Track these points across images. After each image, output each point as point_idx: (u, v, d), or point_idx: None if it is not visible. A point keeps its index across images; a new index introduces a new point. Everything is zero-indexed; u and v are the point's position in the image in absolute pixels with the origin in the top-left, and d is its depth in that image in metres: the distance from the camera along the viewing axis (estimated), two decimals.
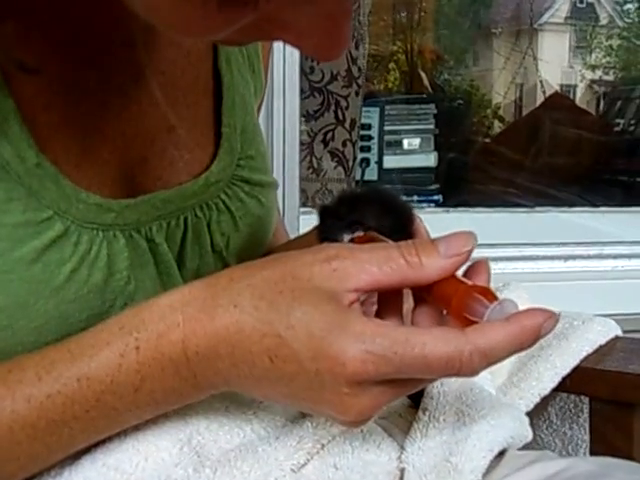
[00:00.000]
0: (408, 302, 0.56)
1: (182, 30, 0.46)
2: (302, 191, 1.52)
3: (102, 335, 0.54)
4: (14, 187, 0.54)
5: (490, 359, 0.48)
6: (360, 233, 0.61)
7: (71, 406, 0.53)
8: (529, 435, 0.65)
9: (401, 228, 0.62)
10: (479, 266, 0.54)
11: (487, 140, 3.48)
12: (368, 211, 0.62)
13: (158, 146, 0.66)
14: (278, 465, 0.56)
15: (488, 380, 0.72)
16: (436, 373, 0.49)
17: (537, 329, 0.48)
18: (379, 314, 0.54)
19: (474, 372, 0.48)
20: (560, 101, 3.57)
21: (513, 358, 0.83)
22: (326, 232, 0.64)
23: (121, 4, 0.47)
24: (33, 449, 0.54)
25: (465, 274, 0.53)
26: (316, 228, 0.69)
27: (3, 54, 0.54)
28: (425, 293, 0.52)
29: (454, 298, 0.49)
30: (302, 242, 0.74)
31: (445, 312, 0.52)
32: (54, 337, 0.56)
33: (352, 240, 0.61)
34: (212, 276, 0.55)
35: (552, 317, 0.48)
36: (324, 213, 0.65)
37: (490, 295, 0.49)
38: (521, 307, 0.92)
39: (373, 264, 0.50)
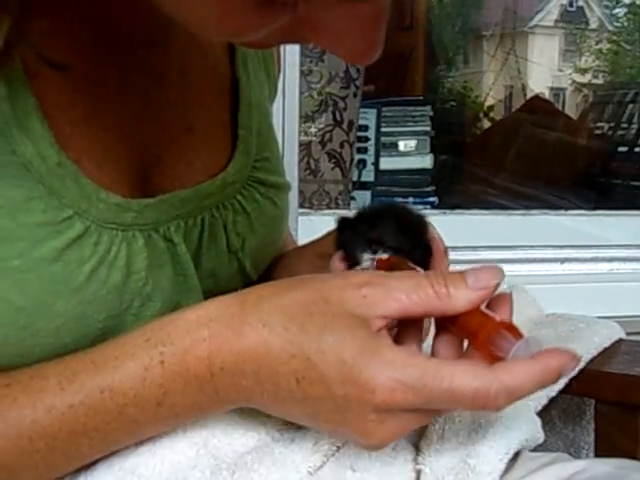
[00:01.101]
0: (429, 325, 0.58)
1: (215, 30, 0.46)
2: (300, 192, 1.53)
3: (126, 347, 0.54)
4: (35, 186, 0.54)
5: (515, 397, 0.49)
6: (383, 255, 0.62)
7: (93, 417, 0.52)
8: (541, 437, 0.66)
9: (418, 243, 0.64)
10: (503, 299, 0.54)
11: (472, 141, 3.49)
12: (386, 229, 0.63)
13: (176, 146, 0.66)
14: (295, 467, 0.56)
15: None
16: (462, 406, 0.50)
17: (560, 369, 0.49)
18: (398, 337, 0.54)
19: (499, 408, 0.49)
20: (540, 104, 3.58)
21: None
22: (345, 245, 0.65)
23: (143, 4, 0.46)
24: (52, 458, 0.53)
25: (489, 305, 0.53)
26: (328, 235, 0.71)
27: (31, 51, 0.54)
28: (449, 322, 0.53)
29: (481, 332, 0.50)
30: (317, 247, 0.75)
31: (468, 343, 0.53)
32: (72, 338, 0.56)
33: (375, 261, 0.62)
34: (240, 292, 0.55)
35: (574, 358, 0.49)
36: (343, 225, 0.66)
37: (515, 331, 0.50)
38: (526, 309, 0.93)
39: (402, 292, 0.51)
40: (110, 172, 0.60)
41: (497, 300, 0.53)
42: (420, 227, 0.66)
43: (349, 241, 0.64)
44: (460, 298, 0.50)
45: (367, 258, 0.62)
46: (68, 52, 0.57)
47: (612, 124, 3.65)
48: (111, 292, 0.58)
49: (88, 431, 0.53)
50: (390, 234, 0.63)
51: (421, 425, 0.53)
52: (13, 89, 0.53)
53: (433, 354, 0.53)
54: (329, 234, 0.73)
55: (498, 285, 0.51)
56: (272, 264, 0.79)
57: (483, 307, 0.52)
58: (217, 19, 0.44)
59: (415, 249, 0.63)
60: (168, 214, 0.63)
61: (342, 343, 0.49)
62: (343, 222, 0.67)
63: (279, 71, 0.85)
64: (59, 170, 0.55)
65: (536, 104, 3.51)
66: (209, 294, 0.68)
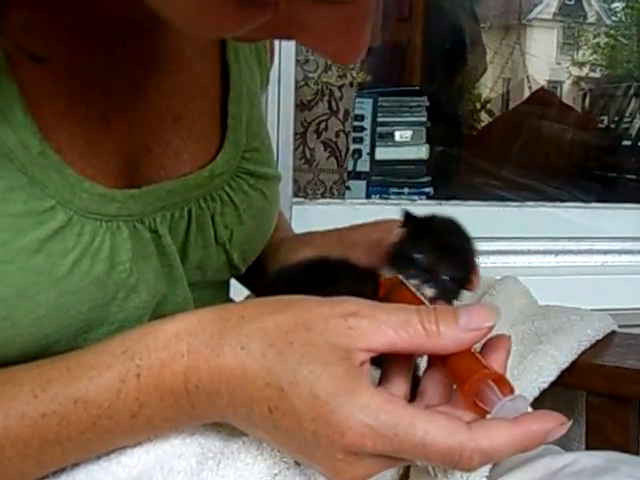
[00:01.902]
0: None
1: (197, 27, 0.46)
2: (294, 181, 1.52)
3: (103, 357, 0.52)
4: (17, 176, 0.53)
5: (490, 459, 0.47)
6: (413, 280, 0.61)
7: (66, 427, 0.51)
8: None
9: (462, 277, 0.66)
10: (499, 343, 0.51)
11: (474, 133, 3.49)
12: (440, 260, 0.63)
13: (163, 136, 0.65)
14: (282, 458, 0.56)
15: None
16: (433, 462, 0.49)
17: (544, 435, 0.46)
18: (384, 372, 0.52)
19: (471, 469, 0.47)
20: (545, 97, 3.58)
21: (512, 351, 0.84)
22: (394, 261, 0.65)
23: None
24: (24, 466, 0.53)
25: (484, 346, 0.51)
26: (356, 227, 0.76)
27: (11, 42, 0.53)
28: (439, 361, 0.51)
29: (468, 381, 0.47)
30: (342, 237, 0.76)
31: (455, 387, 0.50)
32: (54, 329, 0.56)
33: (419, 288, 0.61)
34: (223, 308, 0.54)
35: (562, 425, 0.47)
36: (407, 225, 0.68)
37: (504, 384, 0.47)
38: (519, 300, 0.93)
39: (390, 326, 0.48)
40: (94, 162, 0.59)
41: (494, 343, 0.51)
42: (469, 258, 0.68)
43: (400, 260, 0.64)
44: (450, 338, 0.48)
45: (413, 284, 0.61)
46: (49, 44, 0.57)
47: (609, 117, 3.65)
48: (94, 283, 0.57)
49: (61, 440, 0.52)
50: (442, 265, 0.63)
51: (391, 468, 0.53)
52: None
53: (420, 391, 0.51)
54: (357, 226, 0.75)
55: (492, 328, 0.49)
56: (268, 251, 0.78)
57: (477, 348, 0.50)
58: (198, 16, 0.43)
59: (457, 282, 0.65)
60: (153, 205, 0.62)
61: (317, 378, 0.47)
62: (407, 221, 0.67)
63: (272, 59, 0.84)
64: (41, 160, 0.54)
65: (541, 97, 3.51)
66: (196, 285, 0.68)
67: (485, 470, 0.58)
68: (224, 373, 0.50)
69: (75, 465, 0.55)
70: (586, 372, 0.83)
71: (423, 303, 0.55)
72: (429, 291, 0.62)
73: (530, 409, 0.48)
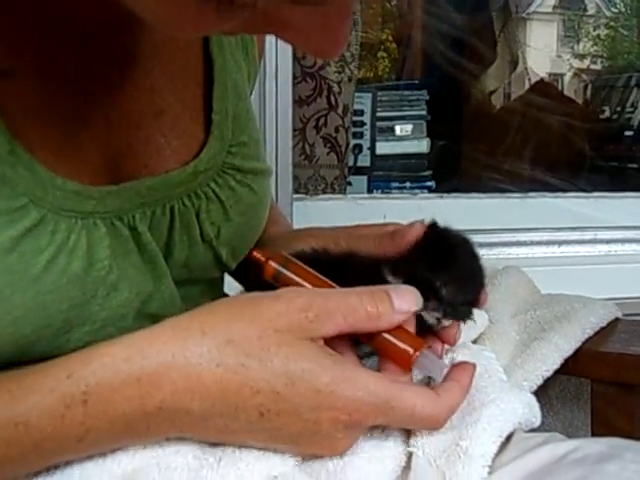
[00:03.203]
0: None
1: (173, 27, 0.45)
2: (294, 177, 1.52)
3: (47, 380, 0.51)
4: None
5: (452, 412, 0.57)
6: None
7: (6, 448, 0.51)
8: (537, 421, 0.65)
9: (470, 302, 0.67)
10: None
11: (474, 127, 3.48)
12: (456, 290, 0.64)
13: (144, 132, 0.64)
14: (281, 456, 0.56)
15: (497, 364, 0.72)
16: (413, 427, 0.58)
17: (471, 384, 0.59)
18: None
19: (441, 426, 0.57)
20: (544, 89, 3.58)
21: (515, 340, 0.83)
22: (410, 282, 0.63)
23: None
24: None
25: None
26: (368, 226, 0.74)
27: None
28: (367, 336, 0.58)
29: (414, 354, 0.57)
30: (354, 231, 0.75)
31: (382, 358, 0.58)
32: (32, 329, 0.55)
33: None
34: (177, 325, 0.54)
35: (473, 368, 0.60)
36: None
37: (418, 342, 0.58)
38: (522, 290, 0.92)
39: (340, 314, 0.54)
40: (70, 159, 0.58)
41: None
42: (481, 281, 0.68)
43: (420, 287, 0.62)
44: (386, 319, 0.55)
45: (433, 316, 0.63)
46: (16, 50, 0.56)
47: (610, 108, 3.65)
48: (72, 281, 0.56)
49: (3, 462, 0.51)
50: (461, 295, 0.64)
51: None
52: None
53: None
54: (363, 224, 0.75)
55: (417, 312, 0.58)
56: (263, 245, 0.78)
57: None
58: (174, 17, 0.43)
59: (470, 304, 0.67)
60: (132, 202, 0.61)
61: (312, 374, 0.52)
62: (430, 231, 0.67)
63: (261, 52, 0.82)
64: (11, 158, 0.53)
65: (540, 88, 3.51)
66: (183, 284, 0.67)
67: (488, 460, 0.57)
68: (198, 392, 0.51)
69: (69, 462, 0.54)
70: (590, 360, 0.82)
71: (325, 281, 0.61)
72: (446, 322, 0.64)
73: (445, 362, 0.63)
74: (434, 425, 0.56)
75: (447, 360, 0.65)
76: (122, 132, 0.62)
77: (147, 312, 0.63)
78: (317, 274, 0.61)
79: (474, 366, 0.60)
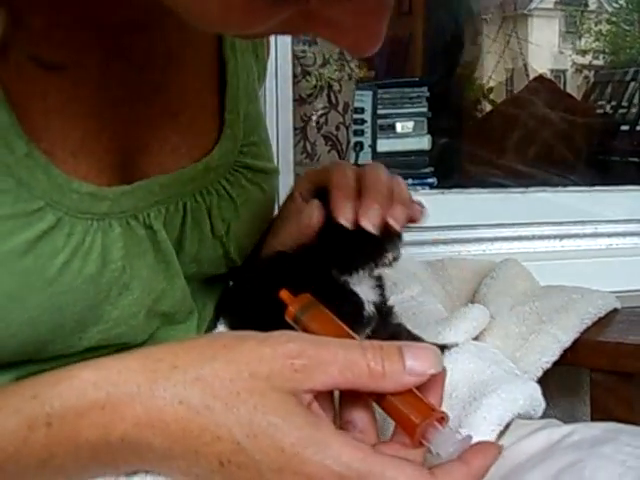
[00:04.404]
0: None
1: (219, 23, 0.44)
2: (296, 176, 1.52)
3: (12, 400, 0.50)
4: (3, 178, 0.52)
5: None
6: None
7: None
8: (539, 411, 0.66)
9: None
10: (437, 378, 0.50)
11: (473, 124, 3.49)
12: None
13: (161, 132, 0.65)
14: None
15: (503, 356, 0.73)
16: None
17: (489, 467, 0.49)
18: (346, 407, 0.51)
19: None
20: (543, 84, 3.58)
21: (514, 333, 0.84)
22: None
23: None
24: None
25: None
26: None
27: (27, 52, 0.53)
28: (374, 396, 0.50)
29: (419, 425, 0.48)
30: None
31: (395, 424, 0.51)
32: (47, 328, 0.56)
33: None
34: (149, 357, 0.51)
35: (499, 452, 0.49)
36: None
37: (443, 420, 0.49)
38: (520, 282, 0.93)
39: (336, 367, 0.48)
40: (88, 160, 0.59)
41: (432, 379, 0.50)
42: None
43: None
44: (393, 380, 0.48)
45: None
46: (44, 42, 0.56)
47: (613, 103, 3.65)
48: (87, 282, 0.57)
49: None
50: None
51: None
52: None
53: (352, 423, 0.50)
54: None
55: (434, 375, 0.49)
56: (259, 245, 0.79)
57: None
58: (225, 14, 0.42)
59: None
60: (146, 200, 0.62)
61: (277, 430, 0.46)
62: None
63: (268, 53, 0.84)
64: (28, 161, 0.54)
65: (539, 84, 3.51)
66: (192, 278, 0.68)
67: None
68: (159, 427, 0.48)
69: None
70: (588, 349, 0.83)
71: (346, 331, 0.54)
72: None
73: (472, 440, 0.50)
74: None
75: (464, 435, 0.51)
76: (139, 132, 0.63)
77: (158, 310, 0.64)
78: (339, 322, 0.55)
79: (498, 449, 0.50)
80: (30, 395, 0.50)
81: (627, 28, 4.33)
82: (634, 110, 3.49)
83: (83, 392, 0.49)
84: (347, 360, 0.48)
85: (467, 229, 1.51)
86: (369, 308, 0.65)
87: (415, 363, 0.48)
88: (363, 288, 0.66)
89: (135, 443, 0.48)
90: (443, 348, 0.68)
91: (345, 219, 0.62)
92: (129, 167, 0.62)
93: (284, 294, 0.57)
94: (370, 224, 0.61)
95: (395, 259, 0.64)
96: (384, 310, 0.67)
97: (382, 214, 0.62)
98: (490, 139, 3.03)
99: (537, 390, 0.67)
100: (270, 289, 0.59)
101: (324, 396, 0.50)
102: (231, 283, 0.78)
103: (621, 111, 3.51)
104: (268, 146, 0.76)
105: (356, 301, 0.65)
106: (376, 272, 0.66)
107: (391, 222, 0.62)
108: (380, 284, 0.67)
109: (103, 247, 0.58)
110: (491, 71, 3.75)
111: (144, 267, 0.62)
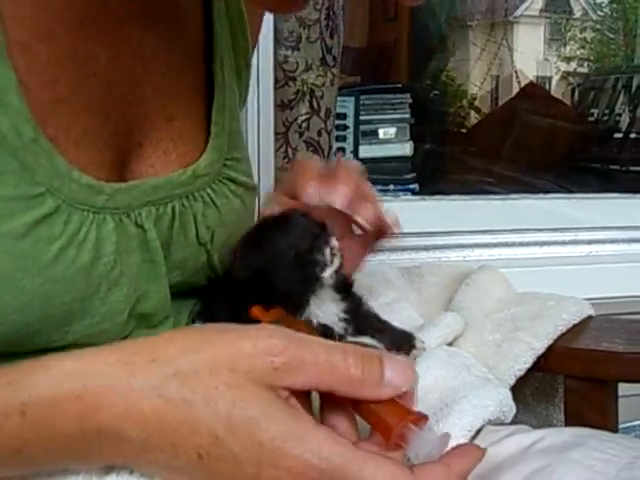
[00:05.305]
0: None
1: None
2: (278, 182, 1.52)
3: None
4: (8, 160, 0.54)
5: None
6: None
7: None
8: (509, 417, 0.66)
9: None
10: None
11: (463, 130, 3.50)
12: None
13: (155, 134, 0.66)
14: None
15: (475, 361, 0.73)
16: None
17: (471, 469, 0.50)
18: (326, 404, 0.52)
19: None
20: (535, 91, 3.60)
21: (488, 341, 0.85)
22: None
23: None
24: None
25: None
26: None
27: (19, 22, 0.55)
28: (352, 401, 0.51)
29: (394, 428, 0.49)
30: None
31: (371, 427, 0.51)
32: (36, 317, 0.56)
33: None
34: (125, 348, 0.51)
35: (482, 454, 0.51)
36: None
37: (421, 421, 0.50)
38: (496, 289, 0.93)
39: (315, 370, 0.48)
40: (88, 153, 0.60)
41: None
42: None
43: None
44: (370, 390, 0.49)
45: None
46: (58, 27, 0.57)
47: (599, 110, 3.67)
48: (79, 272, 0.58)
49: None
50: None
51: None
52: None
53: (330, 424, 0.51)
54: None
55: (409, 390, 0.50)
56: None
57: None
58: None
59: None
60: (139, 200, 0.63)
61: (256, 424, 0.47)
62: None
63: (249, 78, 0.85)
64: (34, 146, 0.55)
65: (530, 91, 3.53)
66: (176, 287, 0.69)
67: None
68: (136, 420, 0.48)
69: None
70: (562, 356, 0.83)
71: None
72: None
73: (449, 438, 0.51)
74: None
75: (440, 434, 0.52)
76: (136, 131, 0.65)
77: (139, 310, 0.65)
78: (312, 332, 0.56)
79: (482, 452, 0.51)
80: (4, 381, 0.49)
81: (612, 36, 4.36)
82: (619, 118, 3.51)
83: (59, 382, 0.49)
84: (328, 363, 0.48)
85: (448, 235, 1.52)
86: (338, 327, 0.65)
87: (394, 376, 0.49)
88: (327, 307, 0.65)
89: (111, 434, 0.48)
90: (412, 347, 0.68)
91: (307, 196, 0.65)
92: (123, 165, 0.64)
93: (256, 311, 0.58)
94: (364, 220, 0.65)
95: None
96: (355, 312, 0.67)
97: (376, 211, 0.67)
98: (476, 146, 3.04)
99: (508, 396, 0.67)
100: (241, 305, 0.60)
101: (301, 394, 0.50)
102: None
103: (613, 118, 3.53)
104: (249, 164, 0.78)
105: (324, 332, 0.63)
106: (332, 281, 0.64)
107: (360, 221, 0.64)
108: (344, 289, 0.67)
109: (97, 239, 0.59)
110: (475, 78, 3.76)
111: (133, 265, 0.63)
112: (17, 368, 0.50)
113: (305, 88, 1.52)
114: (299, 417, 0.48)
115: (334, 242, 0.63)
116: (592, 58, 4.36)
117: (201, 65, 0.72)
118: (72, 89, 0.59)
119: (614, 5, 4.40)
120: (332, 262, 0.63)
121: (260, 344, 0.48)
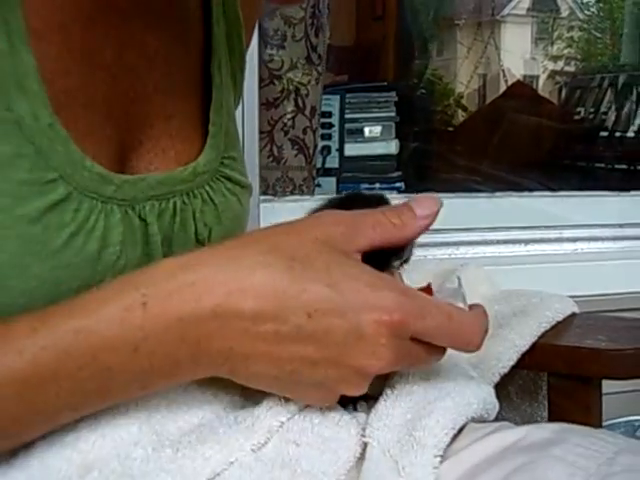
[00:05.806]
0: None
1: None
2: (263, 179, 1.53)
3: (105, 292, 0.53)
4: (24, 144, 0.55)
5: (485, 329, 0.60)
6: None
7: (65, 361, 0.51)
8: (492, 415, 0.66)
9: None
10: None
11: (450, 129, 3.51)
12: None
13: (155, 132, 0.68)
14: (239, 446, 0.56)
15: (459, 356, 0.73)
16: (452, 337, 0.58)
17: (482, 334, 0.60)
18: None
19: (476, 346, 0.59)
20: (522, 90, 3.62)
21: None
22: None
23: None
24: (17, 409, 0.52)
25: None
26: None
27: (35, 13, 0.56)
28: None
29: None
30: None
31: None
32: (44, 303, 0.55)
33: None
34: (214, 246, 0.58)
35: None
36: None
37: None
38: (481, 286, 0.93)
39: (368, 227, 0.58)
40: (97, 144, 0.61)
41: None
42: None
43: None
44: (411, 227, 0.59)
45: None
46: (69, 18, 0.59)
47: (585, 109, 3.69)
48: (86, 260, 0.59)
49: (58, 378, 0.51)
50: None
51: (419, 362, 0.59)
52: (15, 47, 0.55)
53: None
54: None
55: (439, 211, 0.60)
56: None
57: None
58: None
59: None
60: (144, 193, 0.64)
61: (355, 274, 0.55)
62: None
63: (242, 81, 0.87)
64: (50, 132, 0.56)
65: (518, 90, 3.55)
66: None
67: (440, 450, 0.58)
68: (250, 291, 0.53)
69: (29, 453, 0.54)
70: (546, 353, 0.83)
71: None
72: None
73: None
74: (470, 337, 0.58)
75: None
76: (137, 128, 0.66)
77: None
78: None
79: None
80: (125, 283, 0.54)
81: (599, 35, 4.38)
82: (605, 117, 3.53)
83: (172, 273, 0.53)
84: (375, 220, 0.58)
85: (433, 233, 1.51)
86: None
87: (423, 209, 0.59)
88: None
89: (226, 313, 0.52)
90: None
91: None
92: (124, 162, 0.65)
93: None
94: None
95: (407, 260, 0.67)
96: None
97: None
98: (463, 145, 3.05)
99: (491, 393, 0.67)
100: None
101: None
102: None
103: (599, 117, 3.55)
104: (244, 165, 0.80)
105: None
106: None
107: None
108: None
109: (105, 228, 0.60)
110: (463, 76, 3.77)
111: (135, 257, 0.64)
112: (130, 274, 0.55)
113: (290, 86, 1.52)
114: (382, 273, 0.57)
115: None
116: (579, 57, 4.39)
117: (199, 65, 0.74)
118: (82, 82, 0.60)
119: (601, 5, 4.44)
120: None
121: (323, 219, 0.58)
